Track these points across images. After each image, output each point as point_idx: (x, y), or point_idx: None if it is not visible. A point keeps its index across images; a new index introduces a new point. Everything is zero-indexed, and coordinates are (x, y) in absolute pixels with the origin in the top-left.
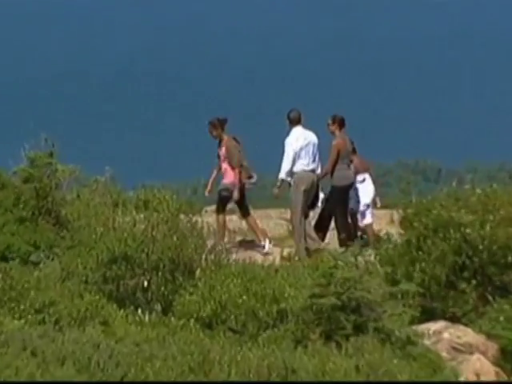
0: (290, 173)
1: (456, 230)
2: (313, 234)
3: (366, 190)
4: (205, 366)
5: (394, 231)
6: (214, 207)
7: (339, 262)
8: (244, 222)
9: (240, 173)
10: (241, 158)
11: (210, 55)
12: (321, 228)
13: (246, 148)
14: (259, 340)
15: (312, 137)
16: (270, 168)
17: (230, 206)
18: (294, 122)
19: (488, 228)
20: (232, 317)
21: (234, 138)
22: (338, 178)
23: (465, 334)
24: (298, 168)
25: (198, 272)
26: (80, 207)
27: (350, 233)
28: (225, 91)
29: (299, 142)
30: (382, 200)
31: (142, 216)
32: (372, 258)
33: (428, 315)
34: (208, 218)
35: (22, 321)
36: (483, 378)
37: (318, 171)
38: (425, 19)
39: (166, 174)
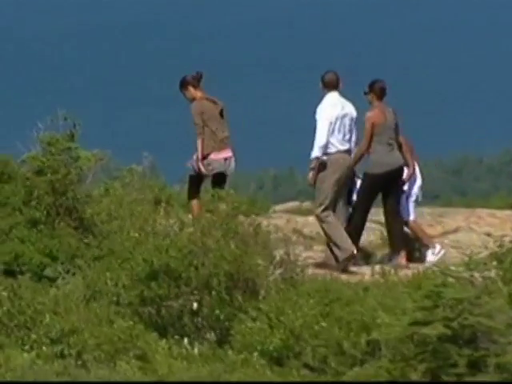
0: (325, 149)
1: None
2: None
3: (416, 179)
4: None
5: None
6: (285, 205)
7: (449, 279)
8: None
9: (202, 141)
10: (214, 125)
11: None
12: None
13: None
14: (344, 380)
15: (350, 108)
16: None
17: (307, 204)
18: (330, 85)
19: None
20: (308, 349)
21: (212, 100)
22: (372, 163)
23: None
24: (331, 144)
25: (262, 291)
26: (110, 206)
27: (358, 234)
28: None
29: (336, 110)
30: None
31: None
32: (492, 273)
33: None
34: (277, 219)
35: (34, 353)
36: None
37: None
38: None
39: None
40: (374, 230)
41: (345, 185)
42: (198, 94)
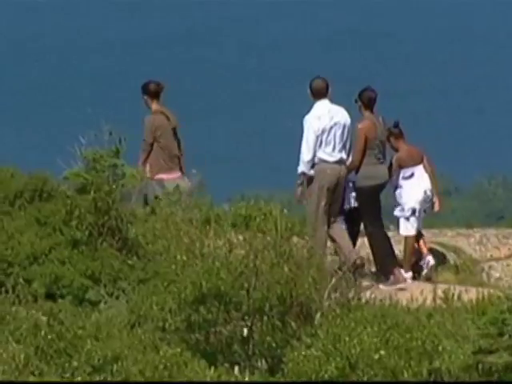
0: (312, 163)
1: None
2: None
3: (412, 190)
4: None
5: None
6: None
7: None
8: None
9: (145, 156)
10: (166, 142)
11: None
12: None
13: None
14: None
15: (341, 115)
16: None
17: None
18: (319, 93)
19: None
20: (365, 378)
21: (166, 115)
22: (362, 176)
23: None
24: (318, 158)
25: (317, 316)
26: (156, 226)
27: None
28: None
29: (322, 122)
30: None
31: (241, 238)
32: None
33: None
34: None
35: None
36: None
37: (349, 162)
38: None
39: (274, 180)
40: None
41: (338, 196)
42: (154, 105)
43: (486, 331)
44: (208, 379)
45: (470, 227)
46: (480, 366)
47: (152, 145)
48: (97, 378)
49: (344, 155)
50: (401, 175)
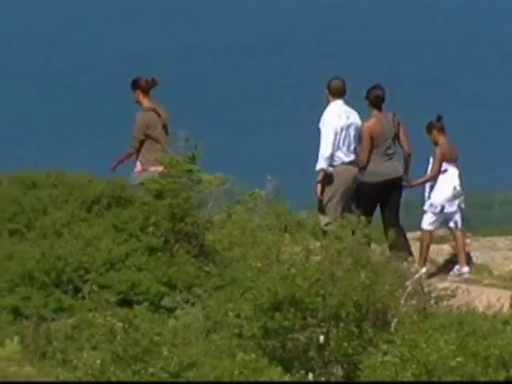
0: (331, 161)
1: None
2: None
3: (442, 186)
4: None
5: None
6: (417, 233)
7: None
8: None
9: (131, 153)
10: (156, 138)
11: None
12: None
13: None
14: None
15: (355, 117)
16: (493, 184)
17: (440, 231)
18: (337, 93)
19: None
20: None
21: (157, 112)
22: (370, 173)
23: None
24: (336, 157)
25: (394, 323)
26: (232, 232)
27: None
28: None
29: (342, 120)
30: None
31: (317, 245)
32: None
33: None
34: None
35: None
36: None
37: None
38: None
39: None
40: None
41: (351, 196)
42: (145, 101)
43: None
44: None
45: None
46: None
47: (142, 142)
48: None
49: (356, 157)
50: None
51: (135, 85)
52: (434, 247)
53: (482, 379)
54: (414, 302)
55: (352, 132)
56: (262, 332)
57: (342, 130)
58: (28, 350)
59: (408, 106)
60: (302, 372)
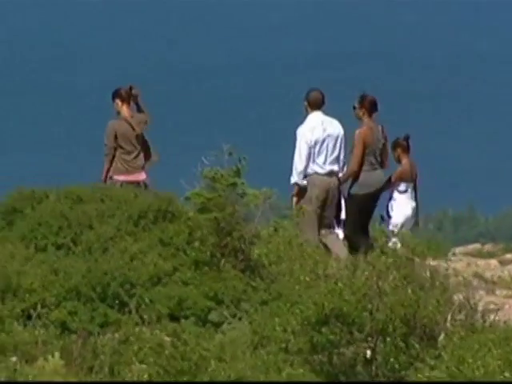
0: (304, 174)
1: None
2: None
3: (403, 205)
4: None
5: None
6: (465, 248)
7: None
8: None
9: (108, 163)
10: (127, 148)
11: None
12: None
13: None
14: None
15: (335, 127)
16: None
17: (488, 246)
18: (315, 105)
19: None
20: None
21: (131, 125)
22: (358, 184)
23: None
24: (310, 169)
25: (441, 338)
26: (279, 247)
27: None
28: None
29: (315, 134)
30: (426, 222)
31: (365, 259)
32: None
33: None
34: (457, 263)
35: None
36: None
37: (342, 173)
38: None
39: None
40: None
41: (330, 206)
42: (124, 110)
43: None
44: None
45: None
46: None
47: (115, 149)
48: None
49: (336, 167)
50: (396, 188)
51: (115, 94)
52: (481, 262)
53: None
54: (461, 316)
55: (330, 143)
56: (309, 347)
57: (316, 143)
58: (74, 365)
59: None
60: None
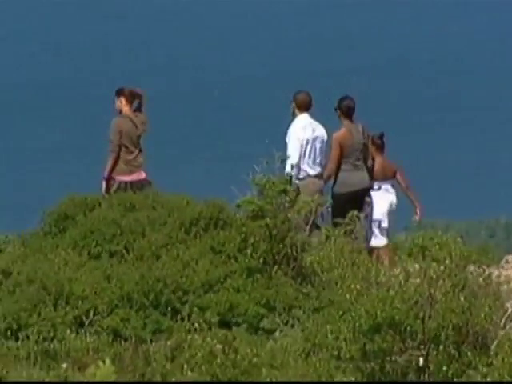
0: (297, 171)
1: None
2: None
3: (377, 203)
4: None
5: None
6: None
7: None
8: None
9: (113, 160)
10: (129, 147)
11: None
12: None
13: None
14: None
15: (320, 130)
16: None
17: None
18: (303, 106)
19: None
20: None
21: (135, 123)
22: (339, 183)
23: None
24: (302, 170)
25: (493, 346)
26: (330, 254)
27: None
28: None
29: (307, 133)
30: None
31: (416, 267)
32: None
33: None
34: (510, 270)
35: None
36: None
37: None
38: None
39: (452, 210)
40: None
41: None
42: (126, 109)
43: None
44: None
45: None
46: None
47: (120, 146)
48: None
49: (321, 169)
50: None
51: (119, 92)
52: None
53: None
54: None
55: (318, 145)
56: (361, 354)
57: (307, 142)
58: (126, 372)
59: None
60: None
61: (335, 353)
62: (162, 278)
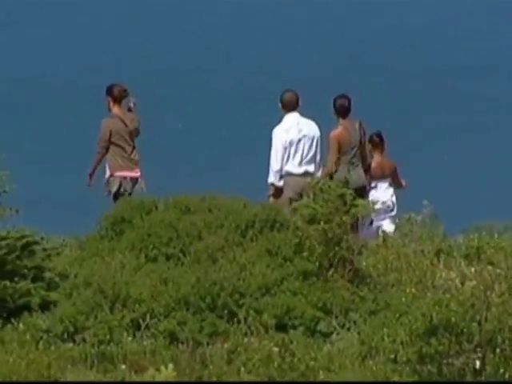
0: (280, 174)
1: None
2: None
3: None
4: None
5: None
6: None
7: None
8: None
9: (98, 160)
10: (122, 145)
11: None
12: None
13: None
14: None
15: (310, 128)
16: None
17: None
18: (290, 106)
19: None
20: None
21: (124, 121)
22: (334, 180)
23: None
24: (285, 170)
25: None
26: (387, 257)
27: None
28: None
29: (290, 135)
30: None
31: (472, 270)
32: None
33: None
34: None
35: None
36: None
37: (319, 174)
38: None
39: (510, 212)
40: None
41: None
42: (115, 109)
43: None
44: None
45: None
46: None
47: (107, 147)
48: None
49: (311, 168)
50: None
51: (107, 92)
52: None
53: None
54: None
55: (306, 144)
56: (418, 357)
57: (291, 144)
58: (183, 374)
59: None
60: None
61: (392, 356)
62: (218, 281)
